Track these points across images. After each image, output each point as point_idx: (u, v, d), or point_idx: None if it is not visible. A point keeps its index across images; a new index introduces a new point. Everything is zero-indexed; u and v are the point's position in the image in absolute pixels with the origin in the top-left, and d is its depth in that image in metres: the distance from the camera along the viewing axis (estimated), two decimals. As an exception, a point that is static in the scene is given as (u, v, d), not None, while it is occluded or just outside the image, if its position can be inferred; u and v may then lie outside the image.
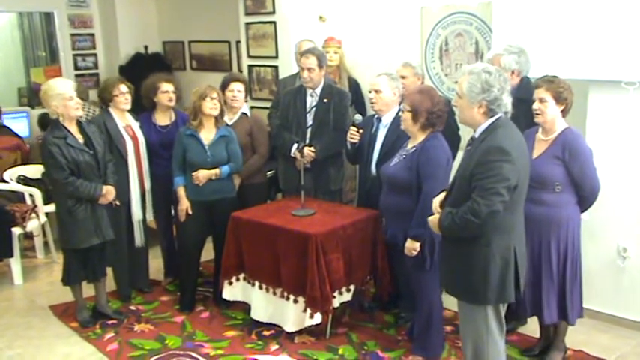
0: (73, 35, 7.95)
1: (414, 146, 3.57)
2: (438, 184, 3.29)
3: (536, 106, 3.36)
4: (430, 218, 2.99)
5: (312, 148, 4.36)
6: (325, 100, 4.45)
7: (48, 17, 8.18)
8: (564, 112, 3.38)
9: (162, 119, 4.68)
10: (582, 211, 3.49)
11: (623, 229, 3.94)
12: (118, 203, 4.27)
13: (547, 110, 3.34)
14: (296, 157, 4.40)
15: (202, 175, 4.24)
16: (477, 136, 2.84)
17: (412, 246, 3.49)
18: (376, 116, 4.07)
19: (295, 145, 4.44)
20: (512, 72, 3.81)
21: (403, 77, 4.31)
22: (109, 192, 4.10)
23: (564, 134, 3.37)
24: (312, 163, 4.41)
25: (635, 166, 3.86)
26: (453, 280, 2.98)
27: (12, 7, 8.03)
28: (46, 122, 6.11)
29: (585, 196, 3.42)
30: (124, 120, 4.47)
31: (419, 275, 3.61)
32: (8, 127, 6.48)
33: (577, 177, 3.34)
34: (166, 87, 4.60)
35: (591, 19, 3.75)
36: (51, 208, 5.29)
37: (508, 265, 2.82)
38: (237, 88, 4.58)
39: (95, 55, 8.14)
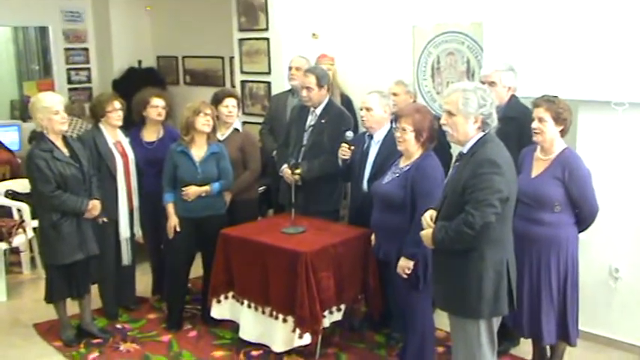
0: (67, 49, 7.96)
1: (408, 164, 3.55)
2: (433, 201, 3.25)
3: (535, 125, 3.36)
4: (422, 233, 3.00)
5: (298, 170, 4.24)
6: (323, 121, 4.41)
7: (43, 31, 8.18)
8: (563, 133, 3.38)
9: (150, 135, 4.65)
10: (579, 232, 3.47)
11: (615, 250, 3.92)
12: (105, 220, 4.23)
13: (546, 130, 3.33)
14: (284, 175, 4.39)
15: (192, 191, 4.21)
16: (465, 151, 2.89)
17: (406, 264, 3.46)
18: (367, 133, 4.06)
19: (285, 164, 4.41)
20: (509, 88, 3.82)
21: (395, 95, 4.32)
22: (94, 206, 4.06)
23: (564, 154, 3.37)
24: (303, 183, 4.33)
25: (626, 187, 3.85)
26: (446, 294, 2.99)
27: (7, 22, 8.03)
28: (34, 138, 6.09)
29: (584, 217, 3.41)
30: (114, 136, 4.43)
31: (411, 295, 3.57)
32: (0, 142, 6.45)
33: (576, 198, 3.34)
34: (156, 102, 4.58)
35: (581, 39, 3.76)
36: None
37: (501, 278, 2.85)
38: (231, 104, 4.58)
39: (89, 69, 8.14)
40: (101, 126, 4.41)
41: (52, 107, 3.91)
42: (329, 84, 4.45)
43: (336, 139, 4.27)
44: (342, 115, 4.49)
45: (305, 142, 4.44)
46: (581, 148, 3.89)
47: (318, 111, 4.44)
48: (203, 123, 4.20)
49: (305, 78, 4.39)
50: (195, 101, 4.33)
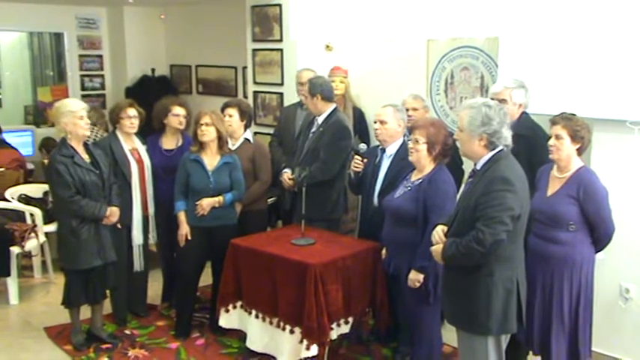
0: (81, 56, 8.03)
1: (420, 178, 3.56)
2: (445, 215, 3.25)
3: (551, 142, 3.33)
4: (433, 247, 3.00)
5: (291, 175, 4.33)
6: (321, 129, 4.44)
7: (57, 37, 8.27)
8: (580, 151, 3.34)
9: (169, 143, 4.67)
10: (597, 252, 3.43)
11: (626, 270, 3.89)
12: (120, 226, 4.25)
13: (562, 147, 3.29)
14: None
15: (206, 202, 4.22)
16: (478, 168, 2.90)
17: (416, 277, 3.47)
18: (380, 147, 4.07)
19: (286, 169, 4.55)
20: (520, 105, 3.82)
21: (415, 109, 4.33)
22: (113, 213, 4.09)
23: (580, 173, 3.32)
24: (299, 189, 4.28)
25: (638, 206, 3.82)
26: (455, 310, 2.99)
27: (23, 27, 8.12)
28: (46, 146, 6.11)
29: (599, 237, 3.36)
30: (130, 143, 4.47)
31: (420, 309, 3.57)
32: (7, 142, 6.46)
33: (592, 217, 3.30)
34: (178, 111, 4.61)
35: (597, 57, 3.75)
36: (51, 228, 5.29)
37: (510, 296, 2.85)
38: (228, 113, 4.57)
39: (102, 76, 8.20)
40: (117, 132, 4.46)
41: (77, 112, 3.95)
42: (324, 94, 4.39)
43: (328, 149, 4.31)
44: (336, 123, 4.42)
45: (305, 149, 4.49)
46: (596, 167, 3.86)
47: (320, 120, 4.46)
48: (199, 133, 4.22)
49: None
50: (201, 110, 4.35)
